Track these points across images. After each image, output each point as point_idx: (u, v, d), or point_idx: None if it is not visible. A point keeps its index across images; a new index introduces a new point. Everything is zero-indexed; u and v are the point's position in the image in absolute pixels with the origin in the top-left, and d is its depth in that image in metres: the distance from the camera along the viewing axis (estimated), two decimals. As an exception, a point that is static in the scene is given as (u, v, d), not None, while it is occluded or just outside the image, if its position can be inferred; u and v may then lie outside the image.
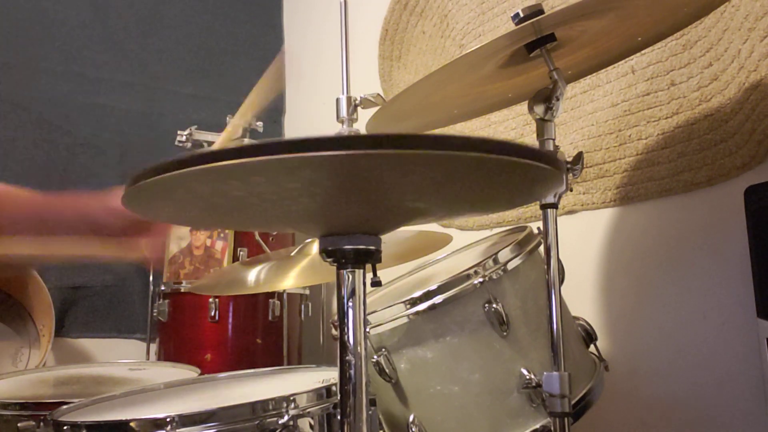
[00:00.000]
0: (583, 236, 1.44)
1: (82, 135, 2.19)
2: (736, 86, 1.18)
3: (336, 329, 0.70)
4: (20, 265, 1.53)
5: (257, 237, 1.83)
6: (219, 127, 2.05)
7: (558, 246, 0.98)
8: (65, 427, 0.84)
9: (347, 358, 0.67)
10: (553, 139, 0.98)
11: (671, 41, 1.27)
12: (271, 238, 1.86)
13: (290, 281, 1.23)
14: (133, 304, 2.17)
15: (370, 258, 0.68)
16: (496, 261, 1.02)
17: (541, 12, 0.88)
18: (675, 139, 1.28)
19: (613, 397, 1.24)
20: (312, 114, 2.49)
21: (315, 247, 1.25)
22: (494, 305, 0.99)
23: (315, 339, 2.01)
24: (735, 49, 1.18)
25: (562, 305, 0.99)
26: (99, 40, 2.26)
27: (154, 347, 1.96)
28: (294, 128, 2.60)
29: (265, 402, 0.84)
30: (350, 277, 0.67)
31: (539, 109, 0.96)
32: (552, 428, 0.95)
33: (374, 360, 1.02)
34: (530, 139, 1.54)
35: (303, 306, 1.94)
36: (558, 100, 0.95)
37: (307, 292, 1.96)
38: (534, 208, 1.50)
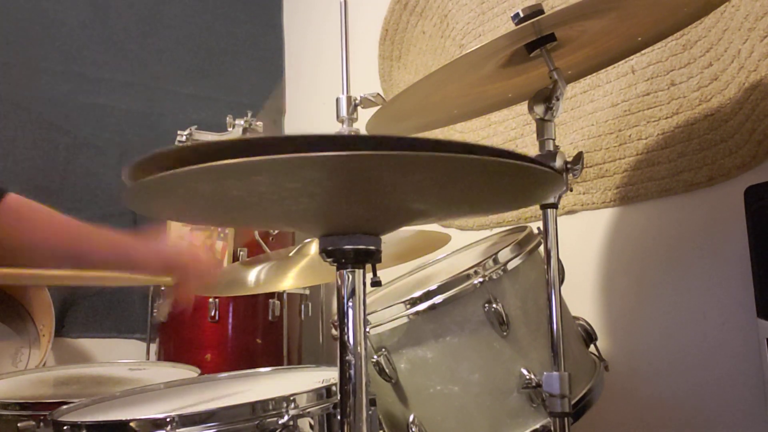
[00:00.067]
0: (583, 236, 1.44)
1: (82, 135, 2.19)
2: (736, 86, 1.18)
3: (336, 329, 0.70)
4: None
5: (257, 237, 1.83)
6: (219, 127, 2.05)
7: (558, 246, 0.98)
8: (65, 427, 0.84)
9: (347, 358, 0.67)
10: (553, 139, 0.98)
11: (671, 41, 1.27)
12: (271, 238, 1.86)
13: (290, 281, 1.23)
14: (133, 304, 2.17)
15: (370, 258, 0.68)
16: (496, 261, 1.02)
17: (541, 12, 0.88)
18: (675, 139, 1.28)
19: (613, 397, 1.24)
20: (312, 114, 2.49)
21: (315, 247, 1.25)
22: (494, 305, 0.99)
23: (315, 339, 2.01)
24: (735, 49, 1.18)
25: (562, 305, 0.99)
26: (99, 40, 2.26)
27: (154, 347, 1.96)
28: (294, 128, 2.60)
29: (265, 402, 0.84)
30: (350, 277, 0.67)
31: (539, 109, 0.96)
32: (552, 428, 0.95)
33: (374, 360, 1.02)
34: (530, 139, 1.54)
35: (303, 306, 1.94)
36: (558, 100, 0.95)
37: (307, 292, 1.96)
38: (534, 208, 1.50)
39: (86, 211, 2.10)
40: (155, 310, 1.83)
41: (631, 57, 1.21)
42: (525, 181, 0.58)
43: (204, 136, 1.98)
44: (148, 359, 1.96)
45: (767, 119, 1.12)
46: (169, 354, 1.89)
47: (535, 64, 1.02)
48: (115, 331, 2.16)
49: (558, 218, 0.99)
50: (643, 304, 1.33)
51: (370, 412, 0.70)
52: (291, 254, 1.29)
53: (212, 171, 0.48)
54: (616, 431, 1.35)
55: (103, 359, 2.05)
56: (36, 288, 1.87)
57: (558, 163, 0.96)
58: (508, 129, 1.61)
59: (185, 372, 1.38)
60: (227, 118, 2.03)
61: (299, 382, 1.07)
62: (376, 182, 0.54)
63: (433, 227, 1.67)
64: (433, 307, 1.00)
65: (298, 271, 1.23)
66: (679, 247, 1.29)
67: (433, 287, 1.00)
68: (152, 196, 0.57)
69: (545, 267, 0.98)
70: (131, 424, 0.81)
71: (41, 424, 0.91)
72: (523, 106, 1.02)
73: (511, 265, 1.04)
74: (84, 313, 2.12)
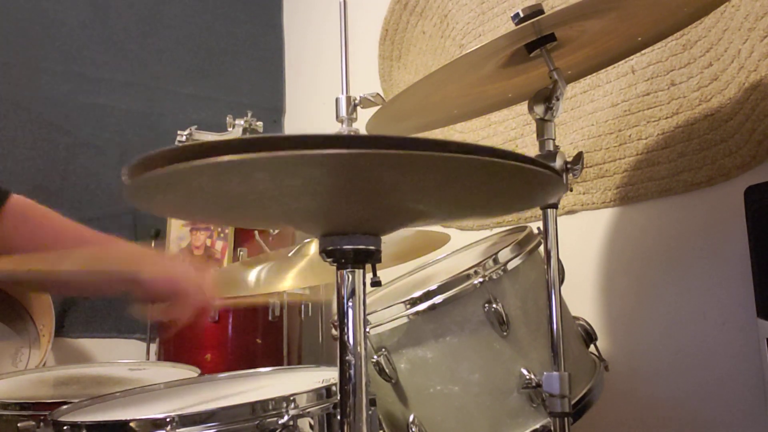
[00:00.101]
0: (583, 236, 1.44)
1: (82, 135, 2.19)
2: (736, 86, 1.18)
3: (336, 329, 0.70)
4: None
5: (257, 237, 1.83)
6: (219, 127, 2.06)
7: (558, 246, 0.98)
8: (65, 427, 0.84)
9: (347, 358, 0.67)
10: (553, 139, 0.98)
11: (671, 41, 1.27)
12: (270, 238, 1.86)
13: (290, 281, 1.23)
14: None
15: (370, 258, 0.68)
16: (496, 261, 1.02)
17: (541, 12, 0.88)
18: (675, 139, 1.28)
19: (613, 397, 1.24)
20: (312, 114, 2.50)
21: (315, 247, 1.25)
22: (494, 305, 0.99)
23: (315, 339, 2.01)
24: (735, 49, 1.18)
25: (562, 305, 0.99)
26: (99, 40, 2.26)
27: (154, 347, 1.96)
28: (294, 128, 2.60)
29: (265, 402, 0.84)
30: (350, 277, 0.67)
31: (539, 109, 0.96)
32: (552, 428, 0.95)
33: (374, 360, 1.02)
34: (530, 139, 1.54)
35: (303, 306, 1.94)
36: (558, 100, 0.95)
37: (307, 292, 1.96)
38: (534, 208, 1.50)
39: (86, 211, 2.10)
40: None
41: (631, 57, 1.21)
42: (526, 182, 0.58)
43: (204, 136, 1.98)
44: (148, 359, 1.96)
45: (767, 119, 1.12)
46: (169, 354, 1.89)
47: (535, 64, 1.02)
48: (115, 331, 2.15)
49: (558, 218, 0.99)
50: (643, 304, 1.33)
51: (370, 412, 0.70)
52: (291, 254, 1.29)
53: (213, 167, 0.48)
54: (616, 431, 1.35)
55: (103, 359, 2.05)
56: (36, 288, 1.87)
57: (558, 163, 0.96)
58: (508, 129, 1.61)
59: (185, 372, 1.38)
60: (227, 118, 2.03)
61: (299, 382, 1.06)
62: (376, 182, 0.54)
63: (433, 227, 1.67)
64: (433, 307, 1.00)
65: (298, 271, 1.23)
66: (679, 247, 1.29)
67: (433, 287, 1.00)
68: (153, 192, 0.57)
69: (545, 267, 0.98)
70: (131, 424, 0.81)
71: (41, 424, 0.91)
72: (523, 106, 1.02)
73: (511, 265, 1.04)
74: (84, 313, 2.12)
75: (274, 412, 0.84)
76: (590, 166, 1.41)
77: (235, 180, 0.52)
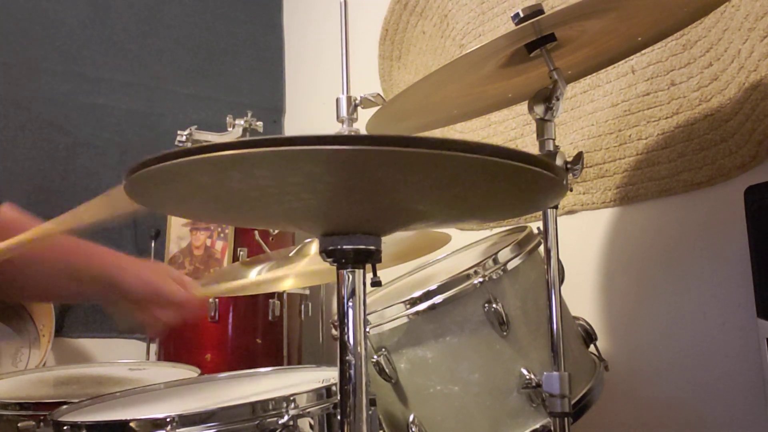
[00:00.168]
0: (583, 236, 1.44)
1: (82, 135, 2.19)
2: (736, 86, 1.18)
3: (336, 329, 0.70)
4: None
5: (257, 237, 1.83)
6: (219, 127, 2.05)
7: (558, 246, 0.98)
8: (65, 427, 0.84)
9: (347, 358, 0.67)
10: (553, 139, 0.98)
11: (671, 41, 1.27)
12: (271, 238, 1.86)
13: (290, 281, 1.23)
14: (133, 304, 2.17)
15: (370, 258, 0.68)
16: (496, 261, 1.02)
17: (541, 12, 0.88)
18: (675, 139, 1.28)
19: (613, 397, 1.24)
20: (312, 114, 2.50)
21: (315, 247, 1.25)
22: (494, 305, 0.99)
23: (315, 339, 2.01)
24: (735, 49, 1.18)
25: (562, 305, 0.99)
26: (99, 40, 2.26)
27: (154, 347, 1.96)
28: (294, 128, 2.60)
29: (265, 402, 0.84)
30: (350, 277, 0.67)
31: (539, 109, 0.96)
32: (552, 428, 0.95)
33: (374, 360, 1.02)
34: (530, 139, 1.54)
35: (303, 306, 1.94)
36: (558, 100, 0.95)
37: (307, 292, 1.96)
38: (534, 208, 1.50)
39: (86, 211, 2.10)
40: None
41: (631, 57, 1.21)
42: (527, 181, 0.57)
43: (204, 136, 1.98)
44: (148, 359, 1.96)
45: (767, 119, 1.12)
46: (169, 354, 1.89)
47: (535, 64, 1.02)
48: (115, 331, 2.15)
49: (558, 218, 0.99)
50: (643, 304, 1.33)
51: (370, 412, 0.70)
52: (291, 254, 1.29)
53: (214, 162, 0.48)
54: (616, 431, 1.35)
55: (103, 359, 2.05)
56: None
57: (558, 163, 0.96)
58: (508, 129, 1.61)
59: (185, 372, 1.38)
60: (227, 118, 2.03)
61: (299, 382, 1.07)
62: (376, 180, 0.54)
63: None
64: (433, 307, 1.00)
65: (298, 271, 1.23)
66: (679, 247, 1.29)
67: (433, 287, 1.00)
68: (153, 187, 0.57)
69: (545, 267, 0.98)
70: (131, 424, 0.81)
71: (41, 424, 0.91)
72: (523, 106, 1.02)
73: (511, 265, 1.04)
74: (84, 313, 2.12)
75: (274, 412, 0.84)
76: (590, 166, 1.41)
77: (236, 176, 0.52)
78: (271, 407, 0.84)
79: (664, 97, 1.30)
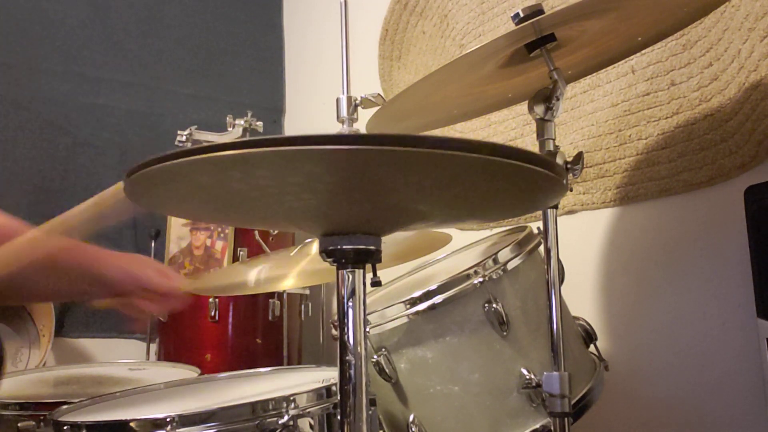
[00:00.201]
0: (583, 236, 1.44)
1: (82, 135, 2.19)
2: (736, 86, 1.18)
3: (336, 329, 0.70)
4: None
5: (257, 237, 1.83)
6: (219, 127, 2.05)
7: (558, 246, 0.98)
8: (65, 427, 0.84)
9: (347, 358, 0.67)
10: (553, 139, 0.98)
11: (671, 41, 1.27)
12: (271, 238, 1.86)
13: (290, 281, 1.23)
14: (133, 304, 2.17)
15: (370, 258, 0.68)
16: (496, 261, 1.02)
17: (541, 12, 0.88)
18: (675, 139, 1.28)
19: (613, 397, 1.24)
20: (312, 114, 2.50)
21: (315, 247, 1.25)
22: (494, 305, 0.99)
23: (315, 339, 2.01)
24: (735, 49, 1.18)
25: (562, 305, 0.99)
26: (99, 40, 2.26)
27: (154, 347, 1.96)
28: (294, 128, 2.60)
29: (265, 402, 0.84)
30: (350, 277, 0.67)
31: (539, 109, 0.96)
32: (552, 428, 0.95)
33: (374, 360, 1.02)
34: (530, 139, 1.54)
35: (303, 306, 1.94)
36: (558, 100, 0.95)
37: (307, 292, 1.96)
38: (534, 208, 1.50)
39: (86, 211, 2.10)
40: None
41: (631, 57, 1.21)
42: (528, 181, 0.57)
43: (204, 136, 1.98)
44: (148, 359, 1.96)
45: (767, 119, 1.12)
46: (169, 354, 1.89)
47: (535, 64, 1.02)
48: (115, 331, 2.15)
49: (558, 218, 0.99)
50: (643, 304, 1.33)
51: (370, 412, 0.70)
52: (291, 254, 1.29)
53: (214, 162, 0.48)
54: (616, 431, 1.35)
55: (103, 359, 2.05)
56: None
57: (558, 163, 0.96)
58: (508, 129, 1.61)
59: (185, 372, 1.38)
60: (227, 118, 2.03)
61: (299, 382, 1.07)
62: (376, 179, 0.54)
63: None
64: (433, 307, 1.00)
65: (298, 271, 1.23)
66: (678, 247, 1.29)
67: (433, 287, 1.00)
68: (153, 187, 0.57)
69: (545, 267, 0.98)
70: (131, 424, 0.81)
71: (41, 424, 0.91)
72: (523, 106, 1.02)
73: (511, 265, 1.04)
74: (84, 313, 2.12)
75: (274, 412, 0.84)
76: (590, 166, 1.41)
77: (236, 176, 0.52)
78: (271, 407, 0.84)
79: (664, 97, 1.30)
